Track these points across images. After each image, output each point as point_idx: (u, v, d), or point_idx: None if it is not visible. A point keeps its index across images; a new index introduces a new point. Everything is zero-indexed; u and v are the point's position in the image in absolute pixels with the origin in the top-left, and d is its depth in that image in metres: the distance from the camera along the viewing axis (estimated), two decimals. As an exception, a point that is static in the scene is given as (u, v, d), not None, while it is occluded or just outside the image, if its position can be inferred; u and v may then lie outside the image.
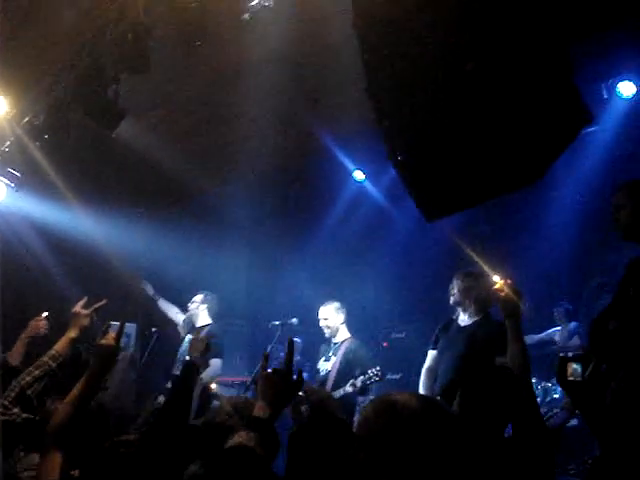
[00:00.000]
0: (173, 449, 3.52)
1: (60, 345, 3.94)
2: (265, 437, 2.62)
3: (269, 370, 2.88)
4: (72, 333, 4.00)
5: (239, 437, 2.60)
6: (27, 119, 6.62)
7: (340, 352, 6.97)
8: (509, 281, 3.72)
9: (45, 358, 3.84)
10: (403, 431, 2.06)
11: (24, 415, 3.54)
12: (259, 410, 2.81)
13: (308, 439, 2.64)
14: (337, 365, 6.86)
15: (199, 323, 8.04)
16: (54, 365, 3.80)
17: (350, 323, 7.40)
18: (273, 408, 2.80)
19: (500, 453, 2.71)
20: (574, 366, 3.13)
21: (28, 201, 7.68)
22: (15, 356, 4.46)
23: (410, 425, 2.07)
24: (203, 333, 7.50)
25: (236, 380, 9.34)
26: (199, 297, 8.17)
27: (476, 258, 4.50)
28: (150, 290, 8.58)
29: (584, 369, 3.11)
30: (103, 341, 3.59)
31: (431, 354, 6.00)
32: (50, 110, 6.55)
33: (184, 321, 8.22)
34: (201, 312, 8.07)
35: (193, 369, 4.36)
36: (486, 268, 4.08)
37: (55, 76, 6.42)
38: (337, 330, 7.22)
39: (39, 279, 8.62)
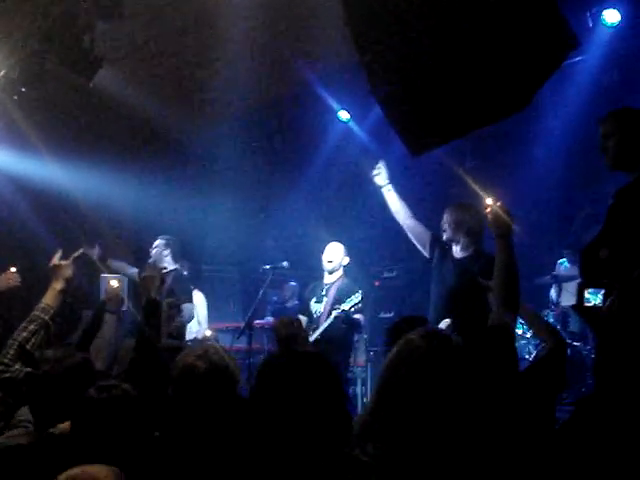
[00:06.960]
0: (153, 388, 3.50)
1: (49, 298, 3.94)
2: None
3: None
4: (57, 285, 4.00)
5: None
6: (2, 73, 6.48)
7: (332, 292, 6.94)
8: (499, 203, 3.62)
9: (37, 312, 3.84)
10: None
11: (26, 370, 3.53)
12: None
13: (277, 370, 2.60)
14: (329, 306, 6.83)
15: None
16: (47, 318, 3.80)
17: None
18: None
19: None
20: (588, 293, 3.15)
21: (7, 156, 7.56)
22: None
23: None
24: (169, 278, 6.84)
25: (230, 326, 9.40)
26: (161, 241, 7.76)
27: (468, 181, 4.31)
28: (95, 252, 7.59)
29: (605, 298, 3.11)
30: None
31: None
32: (25, 62, 6.40)
33: (147, 266, 7.37)
34: (165, 257, 7.64)
35: (155, 307, 4.12)
36: (478, 190, 3.90)
37: (28, 27, 6.26)
38: (336, 271, 7.08)
39: (19, 234, 8.53)
